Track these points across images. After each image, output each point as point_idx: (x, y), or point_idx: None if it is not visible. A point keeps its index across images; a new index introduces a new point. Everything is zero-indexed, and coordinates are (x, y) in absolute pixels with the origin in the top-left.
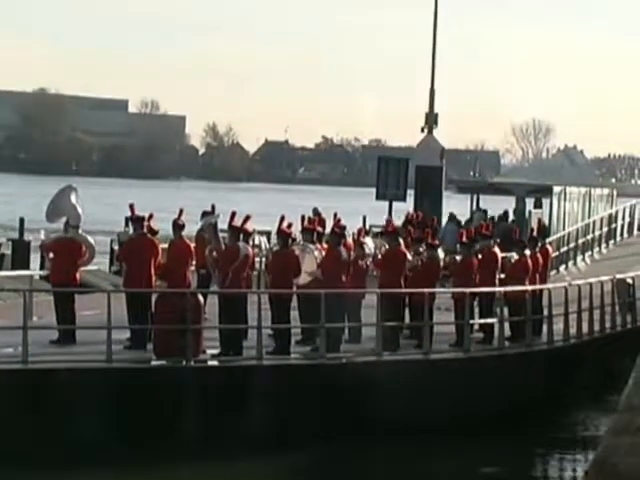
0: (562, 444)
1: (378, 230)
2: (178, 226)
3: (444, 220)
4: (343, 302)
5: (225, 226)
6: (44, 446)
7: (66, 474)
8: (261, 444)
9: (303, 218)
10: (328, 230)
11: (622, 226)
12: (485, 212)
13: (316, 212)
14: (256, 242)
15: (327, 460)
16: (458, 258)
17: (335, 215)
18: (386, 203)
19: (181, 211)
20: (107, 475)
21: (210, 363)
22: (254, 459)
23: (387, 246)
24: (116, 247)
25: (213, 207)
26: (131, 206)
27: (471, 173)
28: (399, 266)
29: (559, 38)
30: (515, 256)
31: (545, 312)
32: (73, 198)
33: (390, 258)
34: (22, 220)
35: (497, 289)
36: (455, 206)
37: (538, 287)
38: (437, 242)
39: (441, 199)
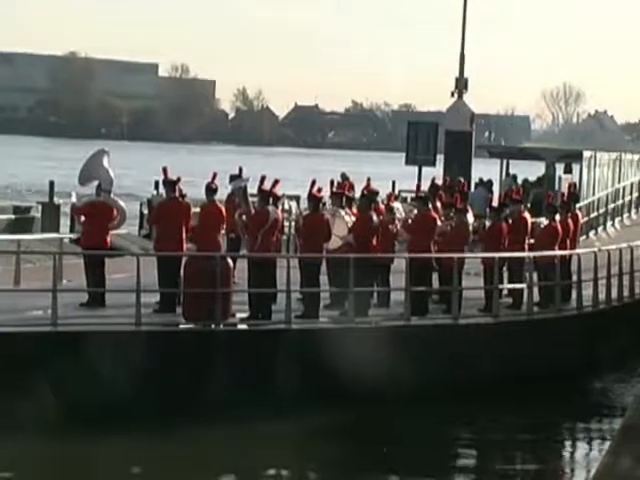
0: (591, 409)
1: (407, 195)
2: (211, 190)
3: (472, 185)
4: (372, 267)
5: (254, 190)
6: (73, 409)
7: (94, 438)
8: (289, 408)
9: (332, 183)
10: (356, 194)
11: None
12: (515, 177)
13: (344, 177)
14: (286, 206)
15: (355, 423)
16: (487, 223)
17: (368, 180)
18: (415, 168)
19: (214, 175)
20: (136, 438)
21: (239, 327)
22: (282, 423)
23: (416, 211)
24: (145, 211)
25: (240, 170)
26: (164, 169)
27: (486, 134)
28: (429, 231)
29: (592, 2)
30: (545, 221)
31: (574, 277)
32: (105, 162)
33: (420, 223)
34: (52, 183)
35: (526, 254)
36: (484, 171)
37: (567, 252)
38: (467, 207)
39: (470, 164)
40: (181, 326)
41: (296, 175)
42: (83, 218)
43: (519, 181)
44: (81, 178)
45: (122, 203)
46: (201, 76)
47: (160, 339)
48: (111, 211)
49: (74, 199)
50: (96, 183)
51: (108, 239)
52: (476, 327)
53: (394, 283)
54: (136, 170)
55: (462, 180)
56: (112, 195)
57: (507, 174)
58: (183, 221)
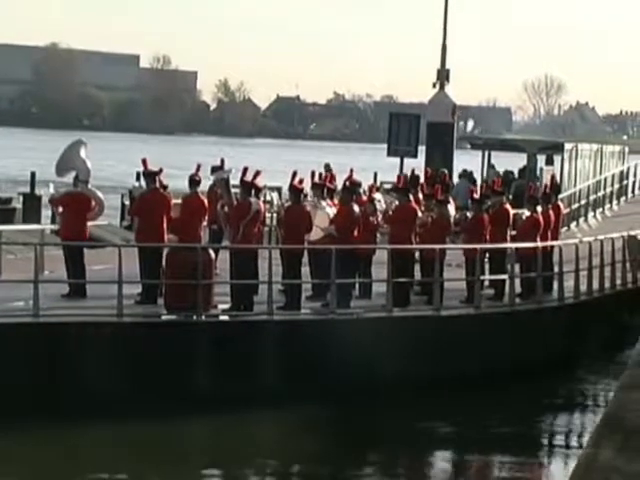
0: (572, 400)
1: (389, 186)
2: (194, 181)
3: (455, 176)
4: (354, 258)
5: (237, 182)
6: (55, 400)
7: (75, 429)
8: (271, 399)
9: (313, 174)
10: (338, 186)
11: (633, 183)
12: (492, 167)
13: (328, 168)
14: (267, 198)
15: (337, 416)
16: (469, 214)
17: (351, 171)
18: (397, 159)
19: (198, 166)
20: (117, 430)
21: (221, 318)
22: (264, 414)
23: (397, 202)
24: (127, 202)
25: (222, 161)
26: (144, 161)
27: (468, 125)
28: (410, 222)
29: None
30: (527, 213)
31: (556, 269)
32: (82, 152)
33: (401, 214)
34: (33, 174)
35: (508, 245)
36: (466, 162)
37: (549, 244)
38: (449, 198)
39: (452, 155)
40: (163, 317)
41: (278, 166)
42: (61, 209)
43: (500, 172)
44: (58, 169)
45: (100, 194)
46: (183, 67)
47: (142, 330)
48: (89, 202)
49: (52, 190)
50: (73, 174)
51: (87, 230)
52: (458, 318)
53: (376, 274)
54: (117, 161)
55: (445, 172)
56: (90, 186)
57: (490, 166)
58: (164, 212)
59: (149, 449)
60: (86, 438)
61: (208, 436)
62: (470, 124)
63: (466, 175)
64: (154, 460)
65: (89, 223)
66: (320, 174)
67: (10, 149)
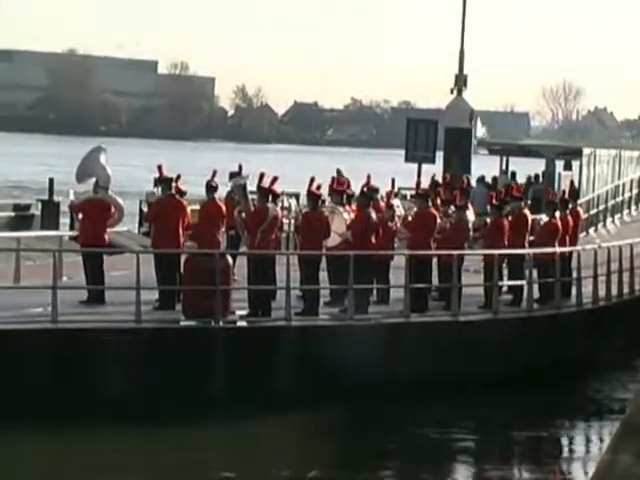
0: (590, 406)
1: (407, 192)
2: (211, 187)
3: (473, 182)
4: (371, 264)
5: (254, 188)
6: (73, 405)
7: (93, 434)
8: (288, 404)
9: (333, 180)
10: (354, 191)
11: None
12: (514, 174)
13: (339, 173)
14: (285, 204)
15: (355, 421)
16: (488, 220)
17: (368, 177)
18: (415, 165)
19: (214, 172)
20: (134, 434)
21: (239, 324)
22: (281, 419)
23: (416, 208)
24: (145, 208)
25: (240, 167)
26: (159, 167)
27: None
28: (429, 228)
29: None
30: (545, 218)
31: (574, 274)
32: (102, 159)
33: (420, 220)
34: (51, 181)
35: (526, 251)
36: (485, 168)
37: (567, 249)
38: (468, 204)
39: (470, 161)
40: (181, 323)
41: (295, 172)
42: (81, 215)
43: (520, 178)
44: (78, 175)
45: (120, 200)
46: (200, 73)
47: (160, 336)
48: (109, 208)
49: (72, 197)
50: (93, 180)
51: (106, 236)
52: (476, 324)
53: (394, 280)
54: (135, 167)
55: (467, 177)
56: (110, 192)
57: (504, 171)
58: (180, 218)
59: (166, 454)
60: (103, 443)
61: (225, 441)
62: (482, 130)
63: (483, 181)
64: (171, 465)
65: (109, 229)
66: (333, 178)
67: (28, 156)
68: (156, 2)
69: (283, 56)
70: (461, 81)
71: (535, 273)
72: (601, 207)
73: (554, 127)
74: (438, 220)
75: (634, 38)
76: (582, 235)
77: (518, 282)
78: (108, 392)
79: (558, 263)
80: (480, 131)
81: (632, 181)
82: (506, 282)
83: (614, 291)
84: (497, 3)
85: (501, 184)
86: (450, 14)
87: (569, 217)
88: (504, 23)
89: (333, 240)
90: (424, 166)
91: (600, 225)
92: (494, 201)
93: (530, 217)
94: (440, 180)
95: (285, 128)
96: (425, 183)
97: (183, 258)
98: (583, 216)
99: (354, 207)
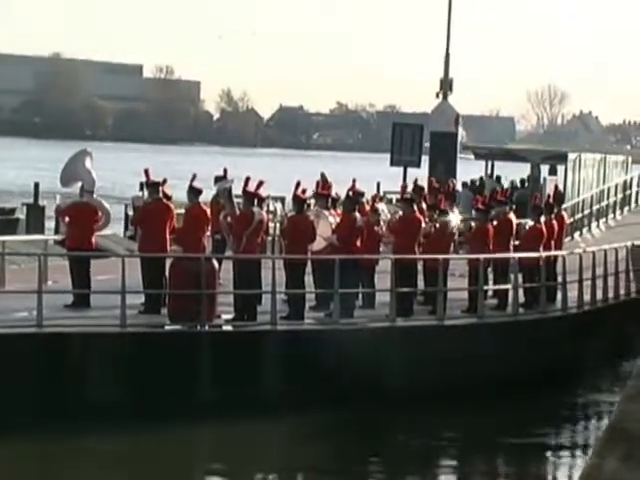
0: (576, 410)
1: (392, 196)
2: (195, 191)
3: (458, 186)
4: (357, 268)
5: (239, 192)
6: (58, 410)
7: (79, 439)
8: (274, 409)
9: (318, 184)
10: (336, 195)
11: (637, 193)
12: (498, 178)
13: (323, 177)
14: (271, 208)
15: (340, 425)
16: (473, 224)
17: (354, 181)
18: (401, 169)
19: (194, 176)
20: (121, 440)
21: (224, 328)
22: (267, 424)
23: (401, 212)
24: (131, 212)
25: (225, 171)
26: (146, 171)
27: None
28: (414, 232)
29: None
30: (530, 223)
31: (559, 279)
32: (87, 163)
33: (405, 224)
34: (37, 185)
35: (512, 255)
36: (470, 172)
37: (552, 253)
38: (453, 208)
39: (455, 165)
40: (166, 327)
41: (281, 176)
42: (67, 219)
43: (505, 183)
44: (63, 179)
45: (106, 204)
46: (186, 77)
47: (145, 340)
48: (95, 212)
49: (58, 201)
50: (79, 184)
51: (93, 240)
52: (461, 328)
53: (379, 284)
54: (121, 172)
55: (452, 181)
56: (96, 196)
57: (489, 176)
58: (166, 222)
59: (152, 459)
60: (88, 448)
61: (211, 446)
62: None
63: (469, 185)
64: (157, 470)
65: (95, 233)
66: (317, 183)
67: (13, 160)
68: (141, 6)
69: (268, 60)
70: (446, 85)
71: (520, 277)
72: (586, 212)
73: (539, 131)
74: (423, 224)
75: (619, 43)
76: (567, 240)
77: (503, 286)
78: (93, 396)
79: (543, 268)
80: (460, 135)
81: (617, 186)
82: (491, 286)
83: (599, 295)
84: (483, 8)
85: (488, 188)
86: (436, 18)
87: (554, 222)
88: (490, 27)
89: (319, 244)
90: (410, 170)
91: (585, 230)
92: (479, 205)
93: (515, 221)
94: (424, 184)
95: (271, 132)
96: (410, 187)
97: (168, 262)
98: (568, 221)
99: (339, 211)
